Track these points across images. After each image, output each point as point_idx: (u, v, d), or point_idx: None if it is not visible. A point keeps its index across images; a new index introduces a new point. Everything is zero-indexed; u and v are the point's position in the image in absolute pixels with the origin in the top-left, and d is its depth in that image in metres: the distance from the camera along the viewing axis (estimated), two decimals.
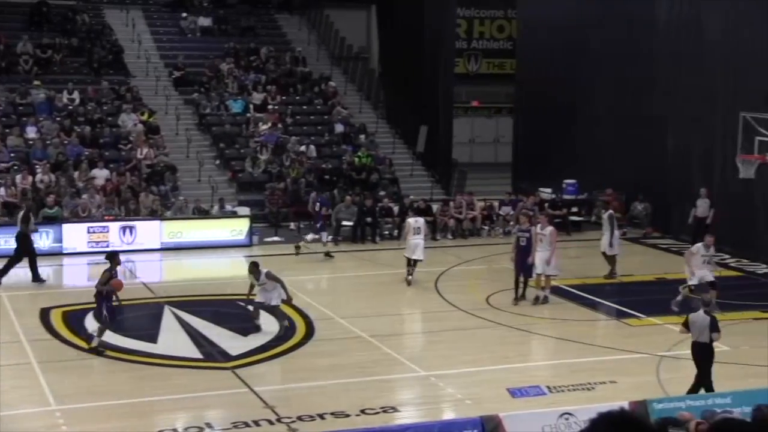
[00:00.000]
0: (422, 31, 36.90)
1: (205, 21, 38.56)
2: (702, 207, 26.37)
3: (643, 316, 20.22)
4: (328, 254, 25.91)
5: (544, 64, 35.07)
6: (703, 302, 15.41)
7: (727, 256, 26.37)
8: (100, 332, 17.51)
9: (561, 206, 30.23)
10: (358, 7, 41.36)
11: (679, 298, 20.13)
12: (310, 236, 26.17)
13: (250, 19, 39.35)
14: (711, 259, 20.63)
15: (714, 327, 14.79)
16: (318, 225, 26.23)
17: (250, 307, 19.14)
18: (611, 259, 23.57)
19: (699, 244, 20.74)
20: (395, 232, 28.54)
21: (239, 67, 36.20)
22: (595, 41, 32.33)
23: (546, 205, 29.64)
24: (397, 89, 37.66)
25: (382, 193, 30.35)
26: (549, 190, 31.14)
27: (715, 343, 14.85)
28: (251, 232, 27.56)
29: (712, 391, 14.32)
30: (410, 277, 22.97)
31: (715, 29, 27.56)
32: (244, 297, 19.44)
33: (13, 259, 22.74)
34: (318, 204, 26.64)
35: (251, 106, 34.49)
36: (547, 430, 12.12)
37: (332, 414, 14.43)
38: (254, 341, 18.21)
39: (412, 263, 22.95)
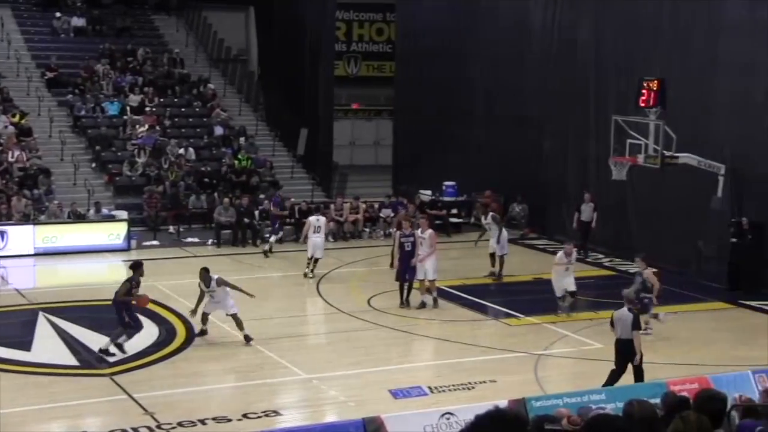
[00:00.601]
0: (302, 34, 36.89)
1: (78, 21, 37.71)
2: (586, 211, 26.56)
3: (521, 315, 20.58)
4: (267, 252, 26.54)
5: (423, 67, 35.48)
6: (627, 300, 15.89)
7: (601, 256, 27.13)
8: (116, 337, 17.32)
9: (441, 208, 30.58)
10: (237, 9, 41.06)
11: (566, 304, 20.46)
12: (273, 238, 26.86)
13: (125, 19, 38.67)
14: (572, 266, 20.51)
15: (636, 324, 15.25)
16: (275, 225, 27.23)
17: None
18: (499, 259, 23.81)
19: (560, 253, 20.66)
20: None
21: (115, 69, 35.52)
22: (471, 45, 32.86)
23: (425, 207, 29.94)
24: (277, 91, 37.56)
25: (261, 196, 30.17)
26: (429, 192, 31.46)
27: (590, 340, 15.22)
28: (129, 236, 27.09)
29: (612, 385, 14.80)
30: (309, 272, 23.61)
31: (587, 34, 28.30)
32: (194, 306, 18.52)
33: None
34: (272, 204, 27.74)
35: (128, 108, 33.89)
36: (428, 430, 12.21)
37: (214, 419, 14.29)
38: (133, 347, 17.87)
39: (312, 261, 23.72)
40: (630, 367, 15.09)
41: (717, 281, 23.18)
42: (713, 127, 24.17)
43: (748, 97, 23.37)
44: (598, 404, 12.38)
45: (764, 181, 22.99)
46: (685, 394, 10.69)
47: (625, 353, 15.15)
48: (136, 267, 17.87)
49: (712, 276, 23.33)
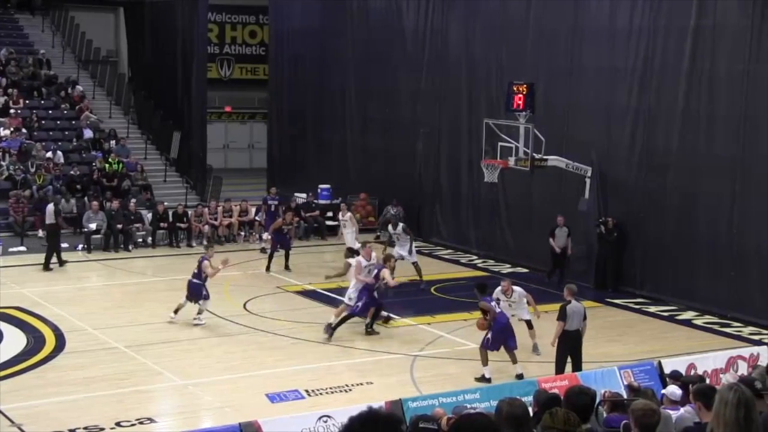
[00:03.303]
0: (173, 36, 36.43)
1: None
2: (561, 237, 24.39)
3: (397, 317, 20.73)
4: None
5: (297, 70, 35.50)
6: (571, 292, 16.28)
7: (474, 257, 27.58)
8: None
9: (315, 210, 30.60)
10: (105, 10, 40.20)
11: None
12: (265, 235, 27.17)
13: None
14: (511, 303, 18.10)
15: (585, 315, 16.13)
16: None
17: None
18: (414, 266, 23.63)
19: (498, 289, 18.17)
20: (149, 240, 28.03)
21: None
22: (344, 48, 33.00)
23: (299, 209, 29.87)
24: (149, 94, 36.99)
25: (133, 200, 29.59)
26: (304, 195, 31.41)
27: (464, 341, 15.38)
28: None
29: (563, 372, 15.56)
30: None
31: (458, 36, 28.70)
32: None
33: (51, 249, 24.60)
34: (272, 205, 28.48)
35: None
36: None
37: (85, 428, 13.98)
38: None
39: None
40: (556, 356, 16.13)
41: (585, 280, 23.79)
42: (580, 131, 24.83)
43: (611, 101, 24.07)
44: (472, 403, 12.62)
45: (626, 183, 23.76)
46: (555, 390, 11.00)
47: (577, 344, 15.99)
48: (483, 287, 17.53)
49: (580, 275, 23.92)
